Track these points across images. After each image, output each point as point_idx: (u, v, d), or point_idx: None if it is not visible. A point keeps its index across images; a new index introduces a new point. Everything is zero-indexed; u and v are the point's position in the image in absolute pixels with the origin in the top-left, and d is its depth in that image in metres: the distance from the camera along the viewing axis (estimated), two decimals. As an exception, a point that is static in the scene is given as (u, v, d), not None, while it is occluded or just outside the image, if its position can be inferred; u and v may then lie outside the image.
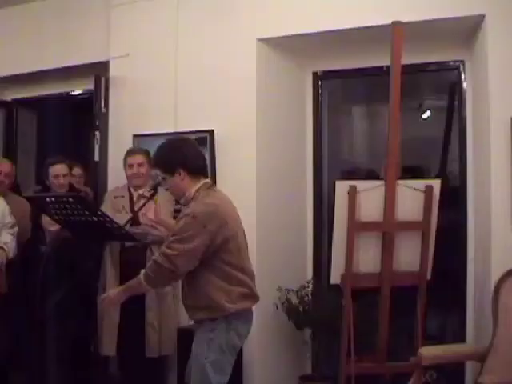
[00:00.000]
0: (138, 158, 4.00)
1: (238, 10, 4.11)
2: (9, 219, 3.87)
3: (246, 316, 2.81)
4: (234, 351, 2.77)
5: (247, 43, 4.07)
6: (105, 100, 4.45)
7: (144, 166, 3.98)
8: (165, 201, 3.99)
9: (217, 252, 2.68)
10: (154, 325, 3.79)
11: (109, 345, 3.82)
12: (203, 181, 2.81)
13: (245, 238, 2.89)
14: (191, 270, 2.68)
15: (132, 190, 4.03)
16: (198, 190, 2.76)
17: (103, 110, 4.44)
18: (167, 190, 2.94)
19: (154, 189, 3.41)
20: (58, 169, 4.03)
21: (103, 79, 4.45)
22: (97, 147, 4.41)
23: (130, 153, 4.06)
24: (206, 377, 2.67)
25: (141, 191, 4.00)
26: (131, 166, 4.00)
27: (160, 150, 2.86)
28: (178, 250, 2.61)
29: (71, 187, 4.15)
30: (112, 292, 2.92)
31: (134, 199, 3.96)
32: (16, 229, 3.88)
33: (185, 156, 2.76)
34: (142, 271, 2.73)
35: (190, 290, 2.77)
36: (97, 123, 4.43)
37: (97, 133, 4.43)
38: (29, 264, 3.76)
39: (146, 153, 4.05)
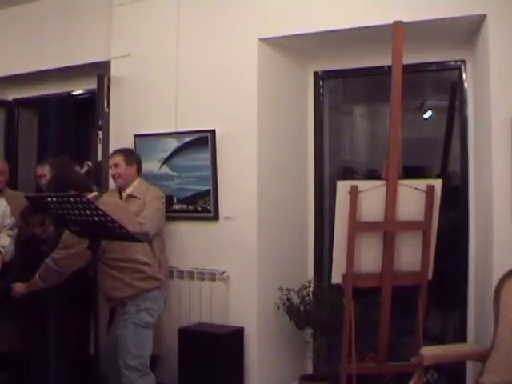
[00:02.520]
0: (113, 159, 4.04)
1: (239, 9, 4.11)
2: (8, 221, 3.82)
3: (152, 296, 3.32)
4: (149, 326, 3.31)
5: (248, 43, 4.06)
6: (107, 100, 4.45)
7: (119, 167, 4.00)
8: (152, 198, 4.00)
9: (103, 253, 3.13)
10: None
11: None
12: (89, 195, 3.28)
13: None
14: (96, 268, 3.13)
15: (122, 190, 4.05)
16: None
17: (106, 109, 4.45)
18: None
19: None
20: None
21: (106, 79, 4.45)
22: (99, 147, 4.42)
23: (110, 154, 4.14)
24: (129, 352, 3.20)
25: (128, 191, 4.01)
26: (110, 167, 4.05)
27: (53, 183, 3.42)
28: (63, 255, 3.19)
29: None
30: (18, 285, 3.46)
31: (123, 199, 3.98)
32: (16, 230, 3.83)
33: (72, 180, 3.38)
34: (38, 271, 3.31)
35: (100, 282, 3.21)
36: (100, 123, 4.44)
37: (100, 132, 4.43)
38: (32, 264, 3.75)
39: (122, 152, 4.06)
